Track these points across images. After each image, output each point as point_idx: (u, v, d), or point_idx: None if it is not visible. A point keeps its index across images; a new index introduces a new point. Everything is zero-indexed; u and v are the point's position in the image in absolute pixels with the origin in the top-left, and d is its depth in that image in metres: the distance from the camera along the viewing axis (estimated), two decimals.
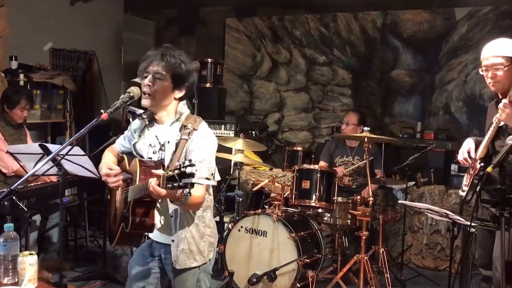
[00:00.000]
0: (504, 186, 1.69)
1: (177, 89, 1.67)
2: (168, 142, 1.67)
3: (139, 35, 5.47)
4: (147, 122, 1.72)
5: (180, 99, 1.71)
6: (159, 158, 1.67)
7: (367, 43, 4.91)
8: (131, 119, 1.81)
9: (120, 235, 1.66)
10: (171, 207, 1.65)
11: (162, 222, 1.69)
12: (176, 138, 1.65)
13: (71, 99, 4.21)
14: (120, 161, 1.80)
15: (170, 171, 1.39)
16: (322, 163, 3.70)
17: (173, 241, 1.67)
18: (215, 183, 1.60)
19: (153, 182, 1.45)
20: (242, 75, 5.42)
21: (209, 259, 1.75)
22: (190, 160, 1.37)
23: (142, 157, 1.73)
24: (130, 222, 1.57)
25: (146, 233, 1.72)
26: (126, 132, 1.84)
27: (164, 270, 1.76)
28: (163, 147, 1.67)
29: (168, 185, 1.38)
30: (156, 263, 1.76)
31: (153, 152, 1.71)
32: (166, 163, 1.64)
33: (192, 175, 1.34)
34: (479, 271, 2.38)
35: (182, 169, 1.35)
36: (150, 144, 1.72)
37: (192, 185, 1.35)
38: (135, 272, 1.78)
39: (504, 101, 2.01)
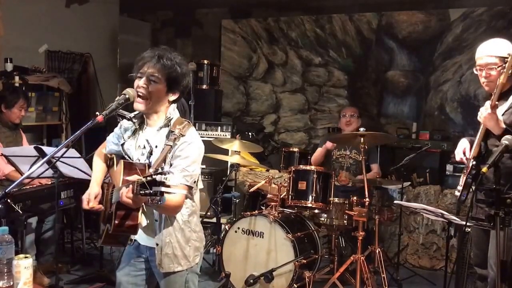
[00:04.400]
0: (499, 186, 1.70)
1: (171, 92, 1.66)
2: (156, 146, 1.66)
3: (135, 37, 5.46)
4: (137, 126, 1.72)
5: (173, 101, 1.70)
6: (149, 161, 1.67)
7: (362, 44, 4.93)
8: (120, 123, 1.79)
9: (106, 236, 1.67)
10: (155, 211, 1.66)
11: (150, 230, 1.69)
12: (163, 143, 1.65)
13: (67, 101, 4.20)
14: (110, 166, 1.80)
15: (144, 177, 1.39)
16: (319, 150, 3.67)
17: (157, 244, 1.66)
18: (184, 192, 1.59)
19: (123, 191, 1.46)
20: (238, 76, 5.43)
21: (196, 263, 1.75)
22: (162, 168, 1.38)
23: (130, 158, 1.72)
24: (113, 224, 1.58)
25: (130, 235, 1.71)
26: (116, 129, 1.82)
27: (151, 271, 1.76)
28: (151, 152, 1.67)
29: (141, 192, 1.39)
30: (143, 265, 1.77)
31: (142, 154, 1.71)
32: (153, 167, 1.64)
33: (161, 183, 1.34)
34: (474, 270, 2.39)
35: (153, 177, 1.36)
36: (139, 146, 1.71)
37: (162, 193, 1.36)
38: (122, 274, 1.79)
39: (486, 105, 2.03)
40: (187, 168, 1.60)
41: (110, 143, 1.83)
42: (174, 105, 1.72)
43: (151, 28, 5.77)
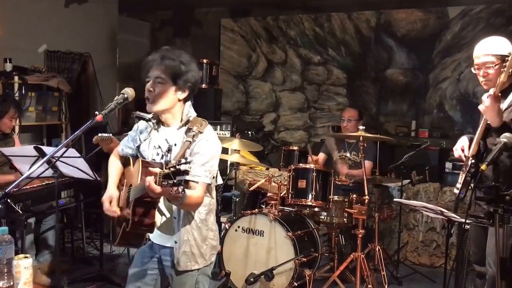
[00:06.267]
0: (498, 183, 1.70)
1: (179, 90, 1.67)
2: (175, 145, 1.68)
3: (134, 36, 5.46)
4: (156, 126, 1.74)
5: (185, 100, 1.72)
6: (165, 161, 1.68)
7: (361, 42, 4.93)
8: (136, 124, 1.82)
9: (122, 235, 1.67)
10: (175, 208, 1.67)
11: (167, 228, 1.70)
12: (182, 141, 1.66)
13: (66, 101, 4.20)
14: (125, 165, 1.82)
15: (166, 168, 1.40)
16: (321, 155, 3.72)
17: (175, 242, 1.68)
18: (210, 181, 1.61)
19: (150, 179, 1.46)
20: (237, 75, 5.43)
21: (211, 262, 1.76)
22: (185, 158, 1.38)
23: (144, 158, 1.74)
24: (131, 221, 1.59)
25: (146, 234, 1.72)
26: (130, 132, 1.85)
27: (163, 271, 1.77)
28: (170, 150, 1.68)
29: (164, 183, 1.39)
30: (155, 265, 1.77)
31: (157, 154, 1.72)
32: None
33: (186, 172, 1.34)
34: (474, 268, 2.39)
35: (177, 167, 1.36)
36: (154, 146, 1.73)
37: (186, 182, 1.36)
38: (133, 273, 1.79)
39: (490, 92, 2.02)
40: (205, 164, 1.62)
41: (125, 147, 1.85)
42: (189, 103, 1.73)
43: (150, 28, 5.76)
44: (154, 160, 1.71)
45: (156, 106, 1.65)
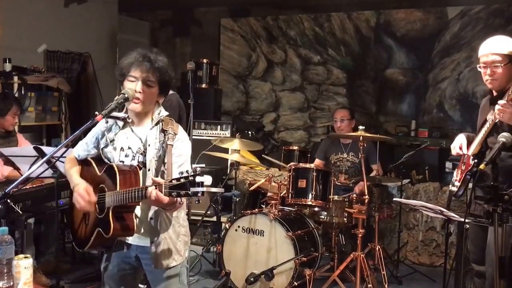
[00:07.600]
0: (497, 183, 1.71)
1: (162, 94, 1.71)
2: (149, 145, 1.67)
3: (134, 36, 5.46)
4: (131, 125, 1.71)
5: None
6: (139, 161, 1.67)
7: (361, 42, 4.93)
8: (107, 124, 1.74)
9: (95, 240, 1.65)
10: (151, 210, 1.67)
11: (143, 229, 1.70)
12: (155, 142, 1.66)
13: (66, 101, 4.20)
14: (87, 168, 1.77)
15: (174, 179, 1.41)
16: (318, 161, 3.72)
17: (152, 242, 1.67)
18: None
19: (153, 190, 1.46)
20: (237, 75, 5.43)
21: (186, 257, 1.79)
22: (194, 170, 1.39)
23: (110, 160, 1.71)
24: (112, 228, 1.57)
25: (126, 237, 1.70)
26: (88, 136, 1.79)
27: (139, 269, 1.77)
28: (144, 152, 1.67)
29: (173, 193, 1.40)
30: (132, 263, 1.77)
31: (126, 156, 1.69)
32: (148, 167, 1.65)
33: (201, 184, 1.36)
34: (473, 267, 2.40)
35: (190, 178, 1.37)
36: (122, 148, 1.70)
37: (202, 193, 1.38)
38: (109, 273, 1.78)
39: (502, 101, 2.00)
40: (182, 165, 1.64)
41: (82, 151, 1.80)
42: (159, 103, 1.76)
43: (150, 28, 5.77)
44: (123, 162, 1.69)
45: (144, 107, 1.65)
